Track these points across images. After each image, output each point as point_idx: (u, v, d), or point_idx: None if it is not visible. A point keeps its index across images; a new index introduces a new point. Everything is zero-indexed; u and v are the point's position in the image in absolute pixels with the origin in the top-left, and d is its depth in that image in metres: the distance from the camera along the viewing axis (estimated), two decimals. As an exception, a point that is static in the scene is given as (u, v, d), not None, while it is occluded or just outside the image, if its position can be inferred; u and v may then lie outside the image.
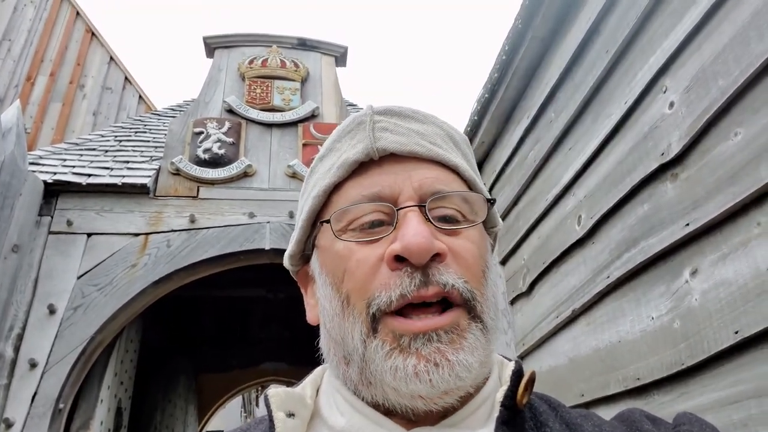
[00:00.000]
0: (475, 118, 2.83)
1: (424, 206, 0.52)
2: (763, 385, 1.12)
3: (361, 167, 0.56)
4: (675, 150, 1.44)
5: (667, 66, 1.53)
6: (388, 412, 0.52)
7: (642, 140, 1.61)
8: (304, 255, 0.62)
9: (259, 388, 9.10)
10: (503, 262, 2.74)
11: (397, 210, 0.52)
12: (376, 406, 0.52)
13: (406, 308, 0.49)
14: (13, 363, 2.36)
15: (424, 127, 0.58)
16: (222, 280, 3.49)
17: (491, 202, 0.58)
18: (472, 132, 2.92)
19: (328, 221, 0.55)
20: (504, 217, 2.73)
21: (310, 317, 0.62)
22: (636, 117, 1.66)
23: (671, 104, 1.49)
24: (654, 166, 1.53)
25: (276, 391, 0.55)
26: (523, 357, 2.45)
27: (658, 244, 1.49)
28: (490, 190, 2.90)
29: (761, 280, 1.13)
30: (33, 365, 2.36)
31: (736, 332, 1.19)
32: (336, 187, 0.57)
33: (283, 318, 5.77)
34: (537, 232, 2.35)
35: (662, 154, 1.50)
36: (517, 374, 0.52)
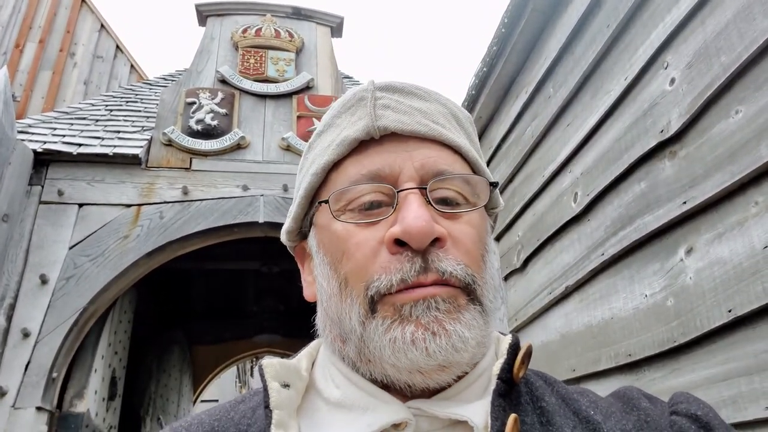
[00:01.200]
0: (473, 92, 2.79)
1: (425, 188, 0.52)
2: (753, 363, 1.13)
3: (361, 145, 0.54)
4: (674, 127, 1.43)
5: (669, 41, 1.50)
6: (385, 386, 0.52)
7: (641, 117, 1.59)
8: (302, 231, 0.61)
9: (254, 359, 9.20)
10: (498, 238, 2.74)
11: (398, 192, 0.51)
12: (373, 381, 0.52)
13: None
14: (6, 332, 2.35)
15: (427, 105, 0.57)
16: (216, 253, 3.48)
17: (494, 185, 0.57)
18: (469, 107, 2.89)
19: (326, 201, 0.54)
20: (499, 193, 2.72)
21: (307, 294, 0.61)
22: (636, 93, 1.64)
23: (672, 80, 1.47)
24: (653, 143, 1.51)
25: (270, 362, 0.54)
26: (515, 332, 2.47)
27: (654, 222, 1.49)
28: (487, 165, 2.87)
29: (756, 260, 1.13)
30: (26, 335, 2.35)
31: (729, 311, 1.19)
32: (335, 165, 0.55)
33: (278, 291, 5.79)
34: (532, 209, 2.34)
35: (661, 131, 1.48)
36: (514, 347, 0.52)
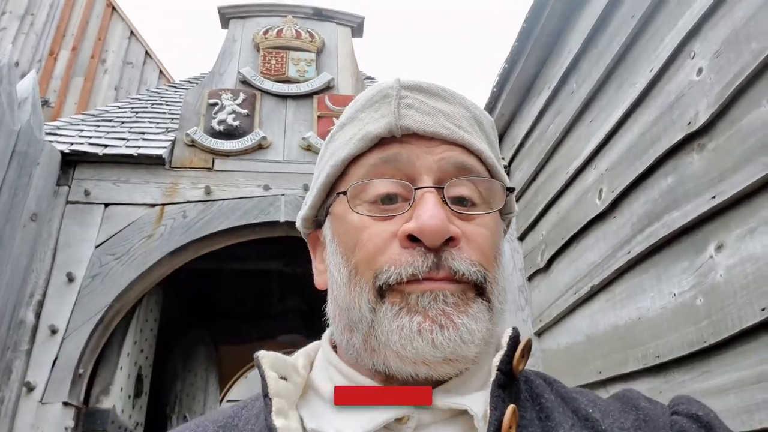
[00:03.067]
0: (495, 89, 2.75)
1: (442, 188, 0.52)
2: (788, 365, 1.07)
3: (381, 141, 0.55)
4: (702, 119, 1.37)
5: (697, 29, 1.44)
6: (387, 379, 0.52)
7: (668, 109, 1.54)
8: (317, 220, 0.63)
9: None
10: (521, 237, 2.69)
11: (415, 189, 0.52)
12: (375, 374, 0.52)
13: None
14: (35, 329, 2.40)
15: (450, 108, 0.57)
16: (239, 253, 3.50)
17: (510, 189, 0.58)
18: (491, 104, 2.84)
19: (345, 193, 0.55)
20: (523, 192, 2.67)
21: (318, 282, 0.63)
22: (662, 85, 1.59)
23: (699, 70, 1.41)
24: (680, 136, 1.46)
25: (266, 353, 0.57)
26: (539, 334, 2.41)
27: (682, 218, 1.43)
28: (510, 164, 2.83)
29: (791, 255, 1.08)
30: (53, 331, 2.40)
31: (763, 309, 1.13)
32: (354, 159, 0.56)
33: (301, 291, 5.82)
34: (556, 207, 2.29)
35: (689, 123, 1.43)
36: (514, 340, 0.52)
